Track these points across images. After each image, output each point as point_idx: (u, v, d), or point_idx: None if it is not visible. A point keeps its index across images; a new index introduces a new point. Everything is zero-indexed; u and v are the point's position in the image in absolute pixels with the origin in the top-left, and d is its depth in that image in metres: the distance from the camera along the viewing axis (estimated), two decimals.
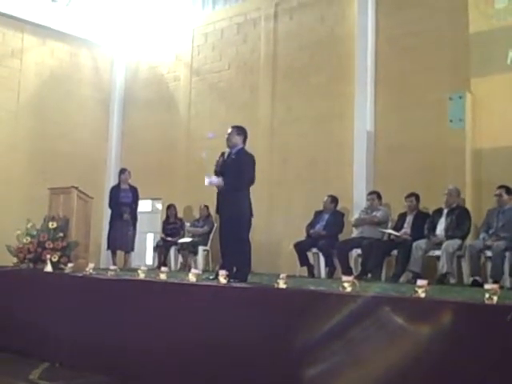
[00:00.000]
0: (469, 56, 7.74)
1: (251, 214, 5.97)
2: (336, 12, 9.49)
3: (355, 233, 8.25)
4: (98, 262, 10.42)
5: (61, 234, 7.15)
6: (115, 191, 9.51)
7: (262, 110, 10.15)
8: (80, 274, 6.34)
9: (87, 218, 8.08)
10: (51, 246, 6.99)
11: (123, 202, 9.36)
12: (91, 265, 6.57)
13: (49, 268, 6.77)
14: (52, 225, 7.16)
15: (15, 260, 7.23)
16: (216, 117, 10.63)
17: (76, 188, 7.80)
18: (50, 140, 11.34)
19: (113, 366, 5.26)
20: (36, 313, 6.22)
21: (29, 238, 7.13)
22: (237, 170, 5.84)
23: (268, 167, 9.42)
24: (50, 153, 11.24)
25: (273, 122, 10.02)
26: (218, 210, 6.13)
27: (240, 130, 6.10)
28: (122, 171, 9.73)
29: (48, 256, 6.87)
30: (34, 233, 7.18)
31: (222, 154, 6.07)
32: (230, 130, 6.09)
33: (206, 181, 5.95)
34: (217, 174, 6.04)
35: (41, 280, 6.60)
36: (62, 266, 6.88)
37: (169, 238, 10.07)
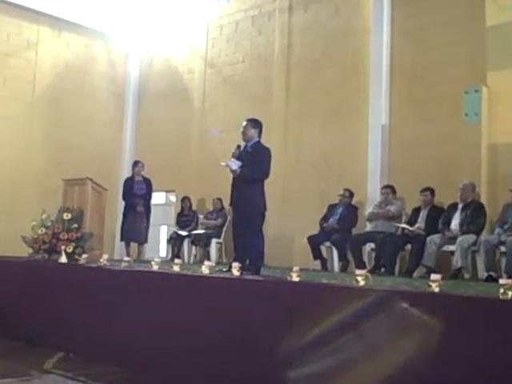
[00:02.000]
0: (485, 49, 7.65)
1: (265, 208, 5.96)
2: (351, 4, 9.43)
3: (369, 227, 8.22)
4: (112, 253, 10.48)
5: (75, 225, 7.16)
6: (129, 183, 9.55)
7: (276, 103, 10.13)
8: (94, 265, 6.38)
9: (101, 210, 8.11)
10: (66, 236, 7.01)
11: (137, 194, 9.40)
12: (105, 256, 6.61)
13: (63, 259, 6.80)
14: (67, 216, 7.18)
15: (30, 251, 7.27)
16: (230, 109, 10.64)
17: (90, 179, 7.83)
18: (64, 132, 11.43)
19: (125, 357, 5.28)
20: (50, 303, 6.27)
21: (44, 229, 7.13)
22: (252, 162, 5.82)
23: (282, 160, 9.37)
24: (65, 144, 11.32)
25: (287, 115, 9.99)
26: (231, 203, 6.13)
27: (255, 123, 6.06)
28: (136, 163, 9.77)
29: (63, 247, 6.88)
30: (49, 224, 7.19)
31: (238, 146, 6.04)
32: (244, 123, 6.04)
33: (223, 163, 5.92)
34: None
35: (55, 271, 6.65)
36: (77, 256, 6.91)
37: (182, 232, 10.10)
